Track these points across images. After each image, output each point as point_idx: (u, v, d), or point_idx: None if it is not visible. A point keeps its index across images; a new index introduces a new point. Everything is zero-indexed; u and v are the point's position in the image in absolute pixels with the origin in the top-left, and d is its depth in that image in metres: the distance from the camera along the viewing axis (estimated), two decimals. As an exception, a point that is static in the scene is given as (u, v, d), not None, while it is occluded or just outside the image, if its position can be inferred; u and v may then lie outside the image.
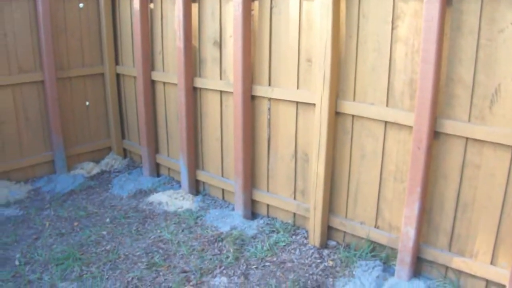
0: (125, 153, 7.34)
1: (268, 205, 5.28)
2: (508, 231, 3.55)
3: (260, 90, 4.91)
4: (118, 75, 6.98)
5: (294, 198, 4.99)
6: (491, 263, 3.69)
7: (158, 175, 6.68)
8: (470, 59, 3.47)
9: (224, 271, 4.35)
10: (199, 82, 5.54)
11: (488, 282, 3.75)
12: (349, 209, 4.57)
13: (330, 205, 4.67)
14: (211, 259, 4.54)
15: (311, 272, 4.31)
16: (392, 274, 4.21)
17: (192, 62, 5.55)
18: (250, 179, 5.28)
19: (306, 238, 4.83)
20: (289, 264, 4.44)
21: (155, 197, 5.89)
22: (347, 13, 4.12)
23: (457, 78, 3.56)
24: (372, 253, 4.44)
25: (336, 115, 4.38)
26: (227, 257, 4.54)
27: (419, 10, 3.64)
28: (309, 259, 4.52)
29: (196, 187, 6.04)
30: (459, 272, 3.91)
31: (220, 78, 5.31)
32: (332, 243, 4.75)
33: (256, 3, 4.77)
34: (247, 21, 4.75)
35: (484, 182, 3.60)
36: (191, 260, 4.53)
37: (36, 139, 6.36)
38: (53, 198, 5.94)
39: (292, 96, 4.66)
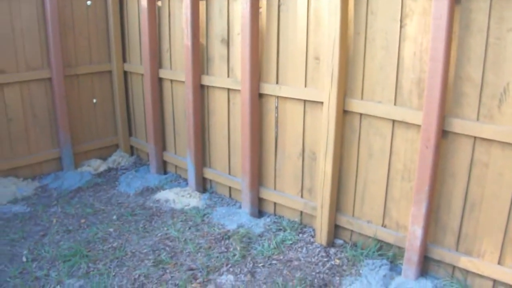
0: (132, 150, 7.35)
1: (275, 203, 5.28)
2: (516, 231, 3.55)
3: (268, 88, 4.90)
4: (125, 73, 7.00)
5: (301, 196, 4.98)
6: (499, 263, 3.68)
7: (165, 172, 6.69)
8: (478, 58, 3.46)
9: (231, 269, 4.35)
10: (206, 80, 5.54)
11: (495, 282, 3.73)
12: (356, 207, 4.56)
13: (337, 204, 4.67)
14: (217, 257, 4.54)
15: (317, 271, 4.31)
16: (399, 273, 4.20)
17: (200, 60, 5.55)
18: (257, 177, 5.28)
19: (313, 236, 4.83)
20: (296, 263, 4.44)
21: (162, 195, 5.89)
22: (355, 11, 4.10)
23: (466, 77, 3.55)
24: (379, 252, 4.43)
25: (344, 114, 4.36)
26: (234, 255, 4.54)
27: (428, 8, 3.62)
28: (316, 257, 4.52)
29: (203, 185, 6.05)
30: (466, 272, 3.89)
31: (228, 76, 5.31)
32: (339, 241, 4.74)
33: (263, 1, 4.77)
34: (255, 18, 4.74)
35: (492, 181, 3.58)
36: (198, 257, 4.53)
37: (43, 136, 6.38)
38: (60, 195, 5.96)
39: (299, 94, 4.65)
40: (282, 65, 4.76)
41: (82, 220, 5.29)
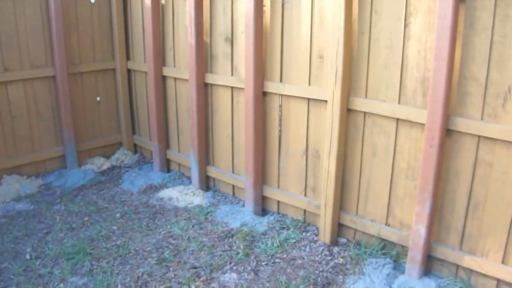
0: (135, 148, 7.36)
1: (278, 202, 5.28)
2: (520, 230, 3.54)
3: (272, 86, 4.89)
4: (129, 71, 7.00)
5: (305, 195, 4.98)
6: (503, 262, 3.67)
7: (169, 170, 6.69)
8: (483, 57, 3.45)
9: (234, 267, 4.35)
10: (210, 78, 5.54)
11: (499, 281, 3.73)
12: (360, 206, 4.56)
13: (341, 202, 4.66)
14: (221, 255, 4.54)
15: (321, 269, 4.31)
16: (403, 272, 4.19)
17: (204, 58, 5.55)
18: (261, 175, 5.27)
19: (316, 235, 4.82)
20: (299, 261, 4.44)
21: (166, 193, 5.90)
22: (359, 10, 4.10)
23: (470, 76, 3.54)
24: (383, 251, 4.42)
25: (347, 112, 4.36)
26: (237, 253, 4.55)
27: (432, 7, 3.61)
28: (319, 256, 4.51)
29: (207, 183, 6.05)
30: (470, 271, 3.89)
31: (232, 74, 5.30)
32: (342, 240, 4.74)
33: (268, -1, 4.77)
34: (259, 17, 4.74)
35: (496, 180, 3.58)
36: (201, 256, 4.53)
37: (47, 134, 6.39)
38: (64, 193, 5.97)
39: (303, 93, 4.64)
40: (286, 63, 4.76)
41: (86, 218, 5.29)
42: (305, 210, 5.02)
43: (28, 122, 6.16)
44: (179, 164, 6.52)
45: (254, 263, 4.41)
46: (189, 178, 6.30)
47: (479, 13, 3.40)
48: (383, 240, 4.43)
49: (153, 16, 5.94)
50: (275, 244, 4.67)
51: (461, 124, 3.63)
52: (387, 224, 4.38)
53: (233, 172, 5.69)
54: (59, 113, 6.38)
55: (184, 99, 6.05)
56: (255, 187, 5.24)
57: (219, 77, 5.44)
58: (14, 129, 6.04)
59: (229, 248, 4.66)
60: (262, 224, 5.09)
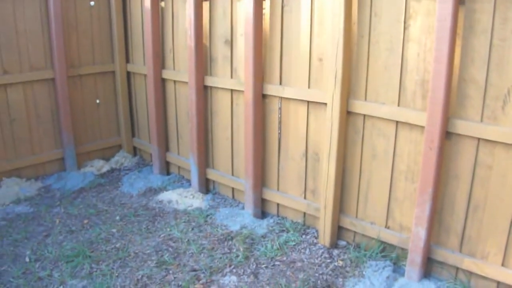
0: (135, 151, 7.36)
1: (278, 204, 5.28)
2: (520, 233, 3.54)
3: (271, 89, 4.90)
4: (128, 73, 7.00)
5: (305, 197, 4.98)
6: (502, 264, 3.67)
7: (168, 173, 6.69)
8: (482, 59, 3.45)
9: (234, 270, 4.35)
10: (209, 81, 5.54)
11: (499, 283, 3.73)
12: (359, 209, 4.56)
13: (340, 205, 4.66)
14: (221, 258, 4.54)
15: (321, 272, 4.30)
16: (402, 274, 4.19)
17: (203, 60, 5.55)
18: (261, 178, 5.27)
19: (316, 237, 4.82)
20: (299, 264, 4.44)
21: (165, 195, 5.89)
22: (359, 12, 4.10)
23: (470, 78, 3.54)
24: (382, 254, 4.42)
25: (347, 115, 4.36)
26: (237, 256, 4.54)
27: (432, 9, 3.62)
28: (319, 258, 4.51)
29: (206, 186, 6.04)
30: (469, 274, 3.89)
31: (231, 77, 5.31)
32: (342, 243, 4.74)
33: (267, 2, 4.76)
34: (259, 19, 4.74)
35: (496, 183, 3.58)
36: (201, 258, 4.53)
37: (46, 137, 6.39)
38: (63, 195, 5.96)
39: (303, 95, 4.64)
40: (285, 66, 4.76)
41: (85, 221, 5.29)
42: (304, 213, 5.02)
43: (28, 125, 6.16)
44: (179, 167, 6.52)
45: (254, 266, 4.41)
46: (188, 180, 6.30)
47: (478, 15, 3.41)
48: (382, 242, 4.42)
49: (152, 19, 5.94)
50: (274, 247, 4.67)
51: (461, 126, 3.63)
52: (386, 226, 4.38)
53: (232, 174, 5.69)
54: (59, 115, 6.38)
55: (183, 101, 6.05)
56: (254, 189, 5.24)
57: (219, 79, 5.44)
58: (14, 131, 6.03)
59: (228, 251, 4.65)
60: (261, 226, 5.09)
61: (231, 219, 5.26)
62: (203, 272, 4.31)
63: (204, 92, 5.66)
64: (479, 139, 3.59)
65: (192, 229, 5.09)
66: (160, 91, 6.29)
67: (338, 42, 4.11)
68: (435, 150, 3.70)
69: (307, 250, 4.66)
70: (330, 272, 4.30)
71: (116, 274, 4.30)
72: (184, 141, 6.24)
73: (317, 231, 4.89)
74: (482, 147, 3.60)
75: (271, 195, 5.26)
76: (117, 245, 4.78)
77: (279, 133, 5.01)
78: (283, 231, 4.99)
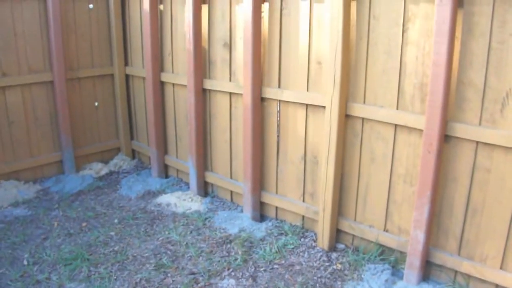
0: (133, 154, 7.35)
1: (277, 208, 5.27)
2: (518, 236, 3.54)
3: (270, 92, 4.90)
4: (127, 76, 6.99)
5: (303, 200, 4.97)
6: (501, 267, 3.67)
7: (167, 176, 6.69)
8: (481, 62, 3.45)
9: (233, 273, 4.35)
10: (208, 84, 5.54)
11: (497, 286, 3.73)
12: (358, 212, 4.56)
13: (339, 208, 4.66)
14: (219, 261, 4.53)
15: (319, 275, 4.30)
16: (401, 278, 4.19)
17: (202, 63, 5.55)
18: (259, 181, 5.27)
19: (314, 241, 4.82)
20: (298, 267, 4.43)
21: (164, 199, 5.89)
22: (357, 15, 4.10)
23: (468, 82, 3.54)
24: (381, 257, 4.42)
25: (346, 118, 4.36)
26: (236, 259, 4.54)
27: (430, 12, 3.62)
28: (318, 262, 4.51)
29: (205, 189, 6.04)
30: (468, 277, 3.89)
31: (230, 80, 5.31)
32: (340, 246, 4.73)
33: (266, 5, 4.76)
34: (257, 22, 4.74)
35: (494, 186, 3.58)
36: (199, 262, 4.53)
37: (45, 139, 6.38)
38: (62, 198, 5.95)
39: (302, 99, 4.64)
40: (284, 69, 4.76)
41: (84, 224, 5.28)
42: (303, 216, 5.02)
43: (26, 128, 6.15)
44: (177, 170, 6.51)
45: (252, 269, 4.40)
46: (187, 184, 6.29)
47: (477, 18, 3.41)
48: (381, 246, 4.42)
49: (151, 22, 5.94)
50: (273, 250, 4.67)
51: (459, 129, 3.63)
52: (385, 230, 4.38)
53: (231, 177, 5.68)
54: (57, 118, 6.37)
55: (182, 104, 6.05)
56: (253, 192, 5.23)
57: (217, 82, 5.44)
58: (12, 134, 6.03)
59: (227, 254, 4.65)
60: (260, 230, 5.09)
61: (229, 222, 5.26)
62: (202, 276, 4.30)
63: (203, 95, 5.66)
64: (477, 142, 3.59)
65: (191, 232, 5.08)
66: (159, 94, 6.29)
67: (337, 45, 4.11)
68: (433, 154, 3.70)
69: (306, 253, 4.65)
70: (329, 276, 4.29)
71: (115, 277, 4.29)
72: (183, 144, 6.24)
73: (315, 234, 4.88)
74: (481, 150, 3.60)
75: (269, 198, 5.25)
76: (116, 248, 4.77)
77: (278, 136, 5.01)
78: (281, 234, 4.98)
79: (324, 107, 4.42)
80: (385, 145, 4.19)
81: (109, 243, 4.87)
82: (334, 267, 4.42)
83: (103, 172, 6.81)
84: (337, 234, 4.74)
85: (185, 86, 5.81)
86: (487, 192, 3.63)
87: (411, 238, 4.02)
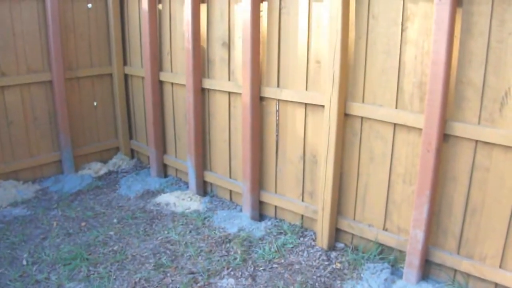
0: (132, 153, 7.35)
1: (276, 207, 5.27)
2: (518, 235, 3.54)
3: (269, 91, 4.89)
4: (126, 76, 6.99)
5: (302, 200, 4.97)
6: (500, 266, 3.67)
7: (166, 176, 6.68)
8: (480, 61, 3.45)
9: (232, 273, 4.35)
10: (207, 83, 5.54)
11: (497, 285, 3.73)
12: (357, 211, 4.56)
13: (338, 207, 4.66)
14: (218, 260, 4.53)
15: (318, 274, 4.30)
16: (400, 277, 4.19)
17: (201, 63, 5.55)
18: (258, 180, 5.27)
19: (314, 240, 4.82)
20: (297, 266, 4.43)
21: (163, 198, 5.89)
22: (356, 14, 4.10)
23: (467, 81, 3.54)
24: (380, 256, 4.42)
25: (345, 117, 4.36)
26: (235, 259, 4.54)
27: (429, 11, 3.62)
28: (317, 261, 4.51)
29: (204, 188, 6.04)
30: (467, 275, 3.89)
31: (229, 79, 5.30)
32: (340, 245, 4.73)
33: (265, 4, 4.76)
34: (256, 22, 4.74)
35: (494, 185, 3.58)
36: (199, 261, 4.52)
37: (44, 139, 6.38)
38: (61, 198, 5.95)
39: (301, 98, 4.64)
40: (283, 68, 4.76)
41: (83, 223, 5.28)
42: (302, 215, 5.02)
43: (25, 127, 6.15)
44: (176, 169, 6.51)
45: (252, 269, 4.40)
46: (186, 183, 6.29)
47: (476, 18, 3.41)
48: (380, 245, 4.42)
49: (150, 21, 5.94)
50: (272, 249, 4.67)
51: (458, 128, 3.63)
52: (384, 229, 4.38)
53: (230, 177, 5.68)
54: (56, 118, 6.37)
55: (181, 104, 6.05)
56: (252, 192, 5.23)
57: (216, 82, 5.44)
58: (11, 134, 6.02)
59: (226, 254, 4.65)
60: (259, 229, 5.08)
61: (228, 222, 5.26)
62: (201, 275, 4.30)
63: (202, 95, 5.66)
64: (476, 141, 3.60)
65: (190, 231, 5.08)
66: (158, 93, 6.28)
67: (336, 45, 4.11)
68: (432, 153, 3.70)
69: (305, 252, 4.65)
70: (328, 275, 4.29)
71: (114, 277, 4.29)
72: (182, 144, 6.24)
73: (315, 233, 4.88)
74: (480, 149, 3.60)
75: (268, 198, 5.25)
76: (115, 248, 4.77)
77: (277, 136, 5.01)
78: (281, 233, 4.98)
79: (323, 106, 4.42)
80: (384, 144, 4.19)
81: (108, 243, 4.87)
82: (334, 266, 4.42)
83: (102, 172, 6.80)
84: (336, 233, 4.73)
85: (184, 85, 5.80)
86: (486, 191, 3.63)
87: (410, 237, 4.02)
